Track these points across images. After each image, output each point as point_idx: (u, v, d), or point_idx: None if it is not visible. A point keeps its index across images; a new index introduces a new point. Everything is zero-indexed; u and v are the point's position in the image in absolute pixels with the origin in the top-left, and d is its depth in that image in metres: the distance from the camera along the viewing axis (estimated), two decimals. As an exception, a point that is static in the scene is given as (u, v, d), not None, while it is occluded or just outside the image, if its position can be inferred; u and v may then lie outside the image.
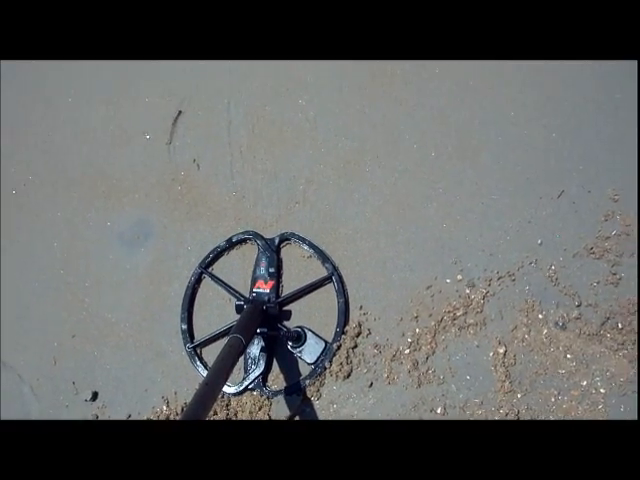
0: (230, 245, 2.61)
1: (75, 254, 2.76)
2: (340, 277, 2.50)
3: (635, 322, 2.34)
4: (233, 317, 2.41)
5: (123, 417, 2.46)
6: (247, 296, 2.49)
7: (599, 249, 2.44)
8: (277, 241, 2.58)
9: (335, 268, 2.51)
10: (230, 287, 2.53)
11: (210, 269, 2.60)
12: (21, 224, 2.86)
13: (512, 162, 2.62)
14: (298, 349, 2.36)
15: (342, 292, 2.46)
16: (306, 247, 2.56)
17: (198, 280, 2.58)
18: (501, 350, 2.34)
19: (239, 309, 2.37)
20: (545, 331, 2.37)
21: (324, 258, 2.53)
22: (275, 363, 2.44)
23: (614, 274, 2.41)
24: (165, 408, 2.44)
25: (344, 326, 2.42)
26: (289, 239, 2.60)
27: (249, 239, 2.61)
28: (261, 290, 2.48)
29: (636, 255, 2.43)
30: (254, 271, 2.53)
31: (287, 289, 2.53)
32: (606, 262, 2.43)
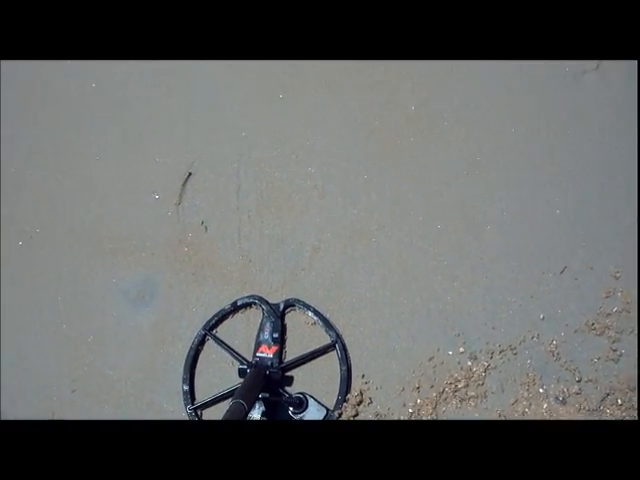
0: (235, 308, 2.62)
1: (79, 310, 2.77)
2: (343, 345, 2.51)
3: (635, 398, 2.36)
4: (235, 380, 2.41)
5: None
6: (250, 360, 2.49)
7: (600, 325, 2.46)
8: (282, 307, 2.60)
9: (339, 336, 2.52)
10: (233, 350, 2.53)
11: (214, 331, 2.61)
12: (25, 277, 2.87)
13: (516, 237, 2.66)
14: (299, 415, 2.36)
15: (345, 360, 2.46)
16: (310, 314, 2.57)
17: (202, 342, 2.58)
18: (501, 424, 2.35)
19: (242, 373, 2.37)
20: (545, 405, 2.38)
21: (328, 326, 2.54)
22: (276, 429, 2.43)
23: (614, 350, 2.43)
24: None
25: (346, 394, 2.42)
26: (294, 305, 2.61)
27: (254, 303, 2.62)
28: (264, 355, 2.48)
29: (636, 331, 2.46)
30: (258, 335, 2.53)
31: (290, 355, 2.53)
32: (607, 338, 2.45)
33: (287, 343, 2.57)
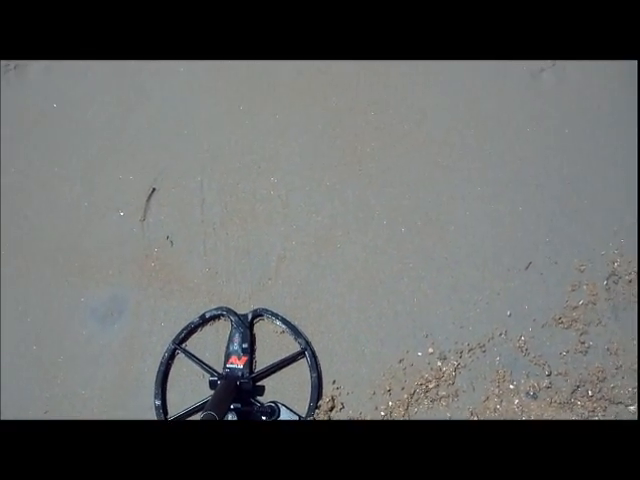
0: (203, 321, 2.61)
1: (48, 330, 2.75)
2: (313, 352, 2.51)
3: (605, 389, 2.38)
4: (207, 393, 2.40)
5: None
6: (221, 372, 2.49)
7: (567, 319, 2.49)
8: (250, 317, 2.60)
9: (308, 343, 2.53)
10: (204, 363, 2.53)
11: (184, 345, 2.60)
12: (-7, 299, 2.86)
13: (480, 236, 2.68)
14: (272, 424, 2.36)
15: (315, 367, 2.46)
16: (279, 322, 2.58)
17: (172, 356, 2.57)
18: (474, 422, 2.36)
19: (213, 385, 2.37)
20: (517, 401, 2.39)
21: (297, 333, 2.54)
22: (249, 439, 2.42)
23: (582, 342, 2.46)
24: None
25: (317, 400, 2.42)
26: (262, 315, 2.61)
27: (222, 315, 2.62)
28: (235, 366, 2.48)
29: (605, 321, 2.49)
30: (227, 347, 2.53)
31: (260, 364, 2.53)
32: (574, 331, 2.48)
33: (257, 353, 2.57)
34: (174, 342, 2.58)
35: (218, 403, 2.17)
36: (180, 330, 2.60)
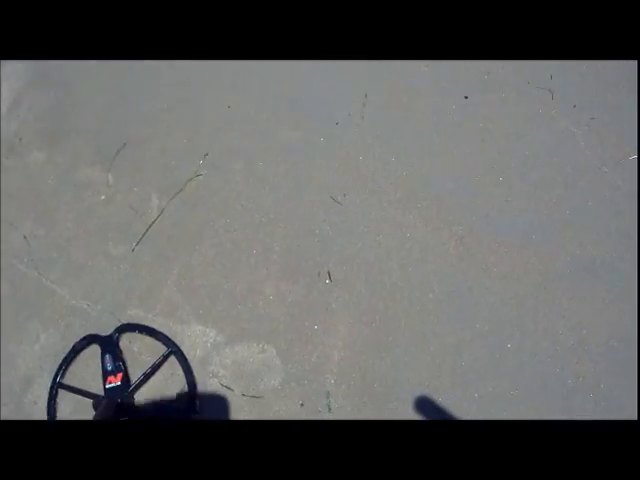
0: (75, 353, 2.75)
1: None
2: (178, 347, 2.70)
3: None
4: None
5: None
6: (102, 394, 2.63)
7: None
8: (115, 335, 2.74)
9: (174, 344, 2.72)
10: (85, 391, 2.67)
11: (62, 381, 2.73)
12: None
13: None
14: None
15: (185, 360, 2.66)
16: (143, 332, 2.76)
17: (55, 396, 2.70)
18: None
19: (96, 408, 2.51)
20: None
21: (163, 338, 2.73)
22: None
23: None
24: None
25: (195, 389, 2.62)
26: (126, 330, 2.77)
27: (91, 342, 2.77)
28: (113, 384, 2.61)
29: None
30: (102, 368, 2.67)
31: (137, 374, 2.67)
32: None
33: (131, 365, 2.71)
34: (53, 382, 2.72)
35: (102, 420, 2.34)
36: (56, 369, 2.73)
